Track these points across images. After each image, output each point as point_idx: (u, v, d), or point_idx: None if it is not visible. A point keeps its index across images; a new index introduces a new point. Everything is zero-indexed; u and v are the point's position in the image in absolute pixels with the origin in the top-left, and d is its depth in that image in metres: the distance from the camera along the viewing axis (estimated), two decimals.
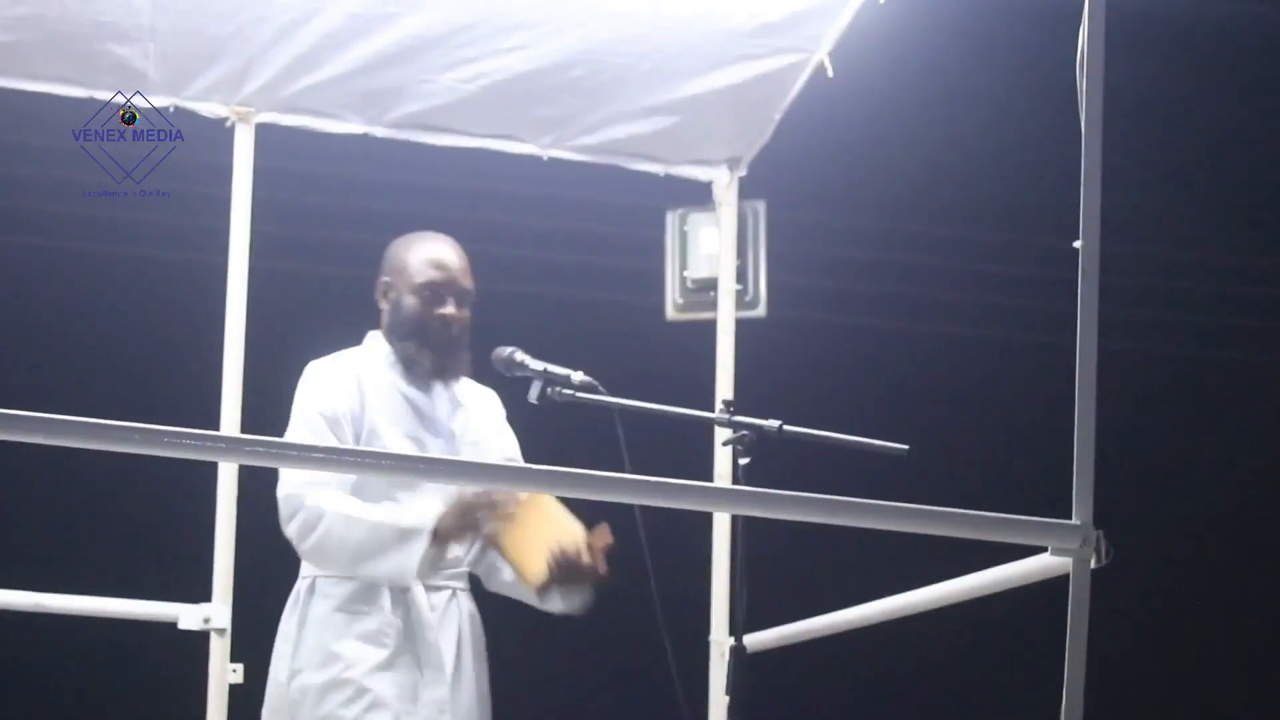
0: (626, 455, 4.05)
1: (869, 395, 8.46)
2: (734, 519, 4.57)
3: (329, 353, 4.55)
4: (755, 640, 4.58)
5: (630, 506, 3.91)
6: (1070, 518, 3.30)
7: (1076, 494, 3.30)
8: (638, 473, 3.33)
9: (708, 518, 5.31)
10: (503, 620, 4.52)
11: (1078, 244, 3.39)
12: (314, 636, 4.26)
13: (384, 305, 4.47)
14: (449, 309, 4.40)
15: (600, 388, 4.14)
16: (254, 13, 4.90)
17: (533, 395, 4.12)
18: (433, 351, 4.40)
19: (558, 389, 4.12)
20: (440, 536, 4.19)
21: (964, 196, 8.70)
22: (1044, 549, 3.36)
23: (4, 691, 7.66)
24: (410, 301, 4.41)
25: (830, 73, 5.08)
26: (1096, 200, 3.39)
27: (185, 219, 7.48)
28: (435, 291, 4.40)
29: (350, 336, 4.54)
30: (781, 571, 5.43)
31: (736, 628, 4.01)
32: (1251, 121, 8.65)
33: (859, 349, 8.83)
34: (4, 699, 7.65)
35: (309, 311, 4.92)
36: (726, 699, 3.99)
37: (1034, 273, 8.54)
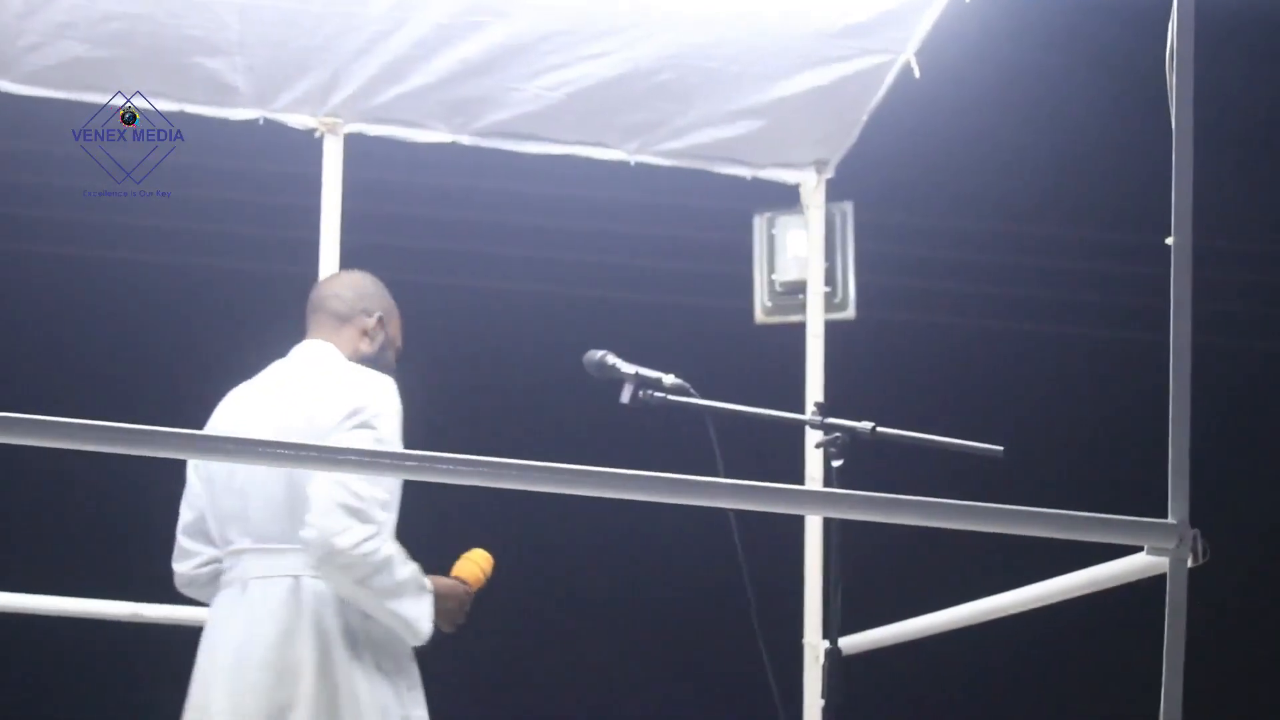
0: (720, 458, 4.06)
1: (961, 395, 8.44)
2: (827, 521, 4.56)
3: (417, 360, 4.59)
4: (850, 643, 4.57)
5: (724, 510, 3.91)
6: (1165, 516, 3.27)
7: (1172, 492, 3.28)
8: (730, 476, 3.33)
9: (801, 520, 5.31)
10: (599, 623, 4.54)
11: (1170, 240, 3.36)
12: None
13: (370, 338, 4.44)
14: None
15: (692, 390, 4.14)
16: (341, 24, 4.94)
17: (625, 398, 4.13)
18: None
19: (649, 392, 4.12)
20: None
21: (1053, 194, 8.66)
22: (1140, 548, 3.34)
23: (104, 699, 7.74)
24: (396, 346, 4.49)
25: (917, 73, 5.06)
26: (1188, 196, 3.36)
27: (275, 231, 7.55)
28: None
29: (441, 343, 4.56)
30: (876, 574, 5.41)
31: (831, 631, 4.00)
32: None
33: (949, 349, 8.81)
34: (104, 706, 7.74)
35: (400, 319, 4.95)
36: (822, 702, 3.98)
37: (1126, 270, 8.50)
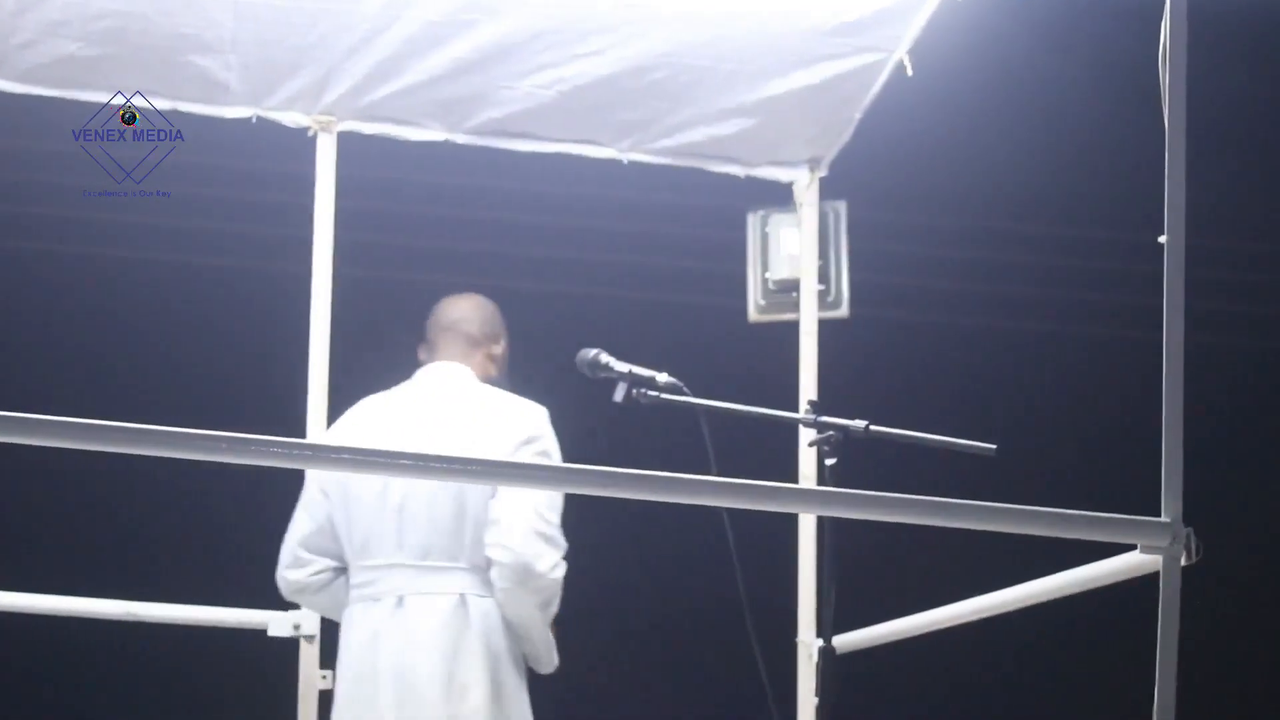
0: (713, 457, 4.07)
1: (954, 394, 8.44)
2: (820, 520, 4.56)
3: (412, 360, 4.62)
4: (844, 641, 4.57)
5: (717, 509, 3.91)
6: (1159, 515, 3.27)
7: (1165, 491, 3.28)
8: (724, 474, 3.33)
9: (794, 519, 5.31)
10: (591, 623, 4.55)
11: (1163, 239, 3.36)
12: None
13: (496, 364, 4.66)
14: None
15: (685, 389, 4.14)
16: (334, 22, 4.93)
17: (618, 397, 4.14)
18: None
19: (643, 390, 4.13)
20: None
21: (1046, 192, 8.66)
22: (1133, 547, 3.34)
23: (100, 698, 7.73)
24: (505, 371, 4.67)
25: (910, 71, 5.06)
26: (1181, 194, 3.37)
27: (268, 229, 7.54)
28: None
29: None
30: (869, 572, 5.42)
31: (824, 629, 4.00)
32: None
33: (943, 347, 8.80)
34: (100, 706, 7.73)
35: (393, 318, 4.96)
36: (815, 700, 3.98)
37: (1118, 268, 8.50)
